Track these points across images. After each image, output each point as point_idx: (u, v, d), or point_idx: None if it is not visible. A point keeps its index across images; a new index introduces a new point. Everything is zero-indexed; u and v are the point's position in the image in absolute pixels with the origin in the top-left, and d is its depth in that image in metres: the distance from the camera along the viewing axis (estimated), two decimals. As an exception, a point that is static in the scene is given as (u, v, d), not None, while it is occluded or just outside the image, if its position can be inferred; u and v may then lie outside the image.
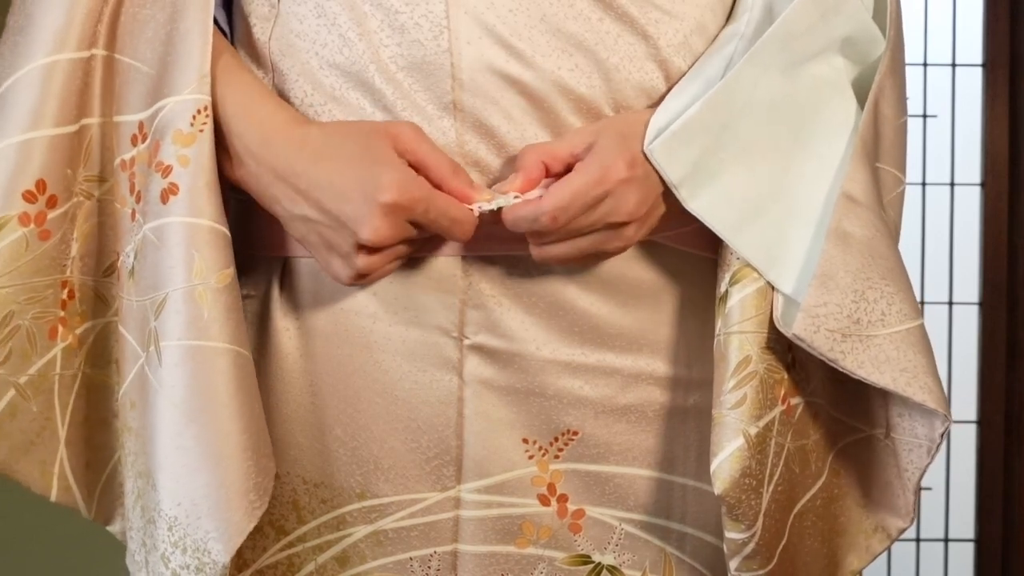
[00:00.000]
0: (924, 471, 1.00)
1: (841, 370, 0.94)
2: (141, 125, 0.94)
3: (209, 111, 0.92)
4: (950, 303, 2.72)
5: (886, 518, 1.04)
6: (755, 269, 0.94)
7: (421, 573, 0.97)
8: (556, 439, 0.98)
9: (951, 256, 2.71)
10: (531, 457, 0.97)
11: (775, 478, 0.95)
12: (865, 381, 0.94)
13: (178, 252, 0.91)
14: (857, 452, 1.04)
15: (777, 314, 0.94)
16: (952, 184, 2.71)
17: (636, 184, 0.92)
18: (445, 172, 0.91)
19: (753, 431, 0.93)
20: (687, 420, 1.01)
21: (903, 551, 2.74)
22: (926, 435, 0.98)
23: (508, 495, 0.97)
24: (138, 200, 0.94)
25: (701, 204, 0.94)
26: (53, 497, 0.99)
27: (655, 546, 1.00)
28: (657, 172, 0.93)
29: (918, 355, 0.94)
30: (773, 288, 0.95)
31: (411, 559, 0.97)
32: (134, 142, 0.95)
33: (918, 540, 2.75)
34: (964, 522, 2.73)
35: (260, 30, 0.98)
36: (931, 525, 2.76)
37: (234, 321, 0.91)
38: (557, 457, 0.98)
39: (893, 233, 1.03)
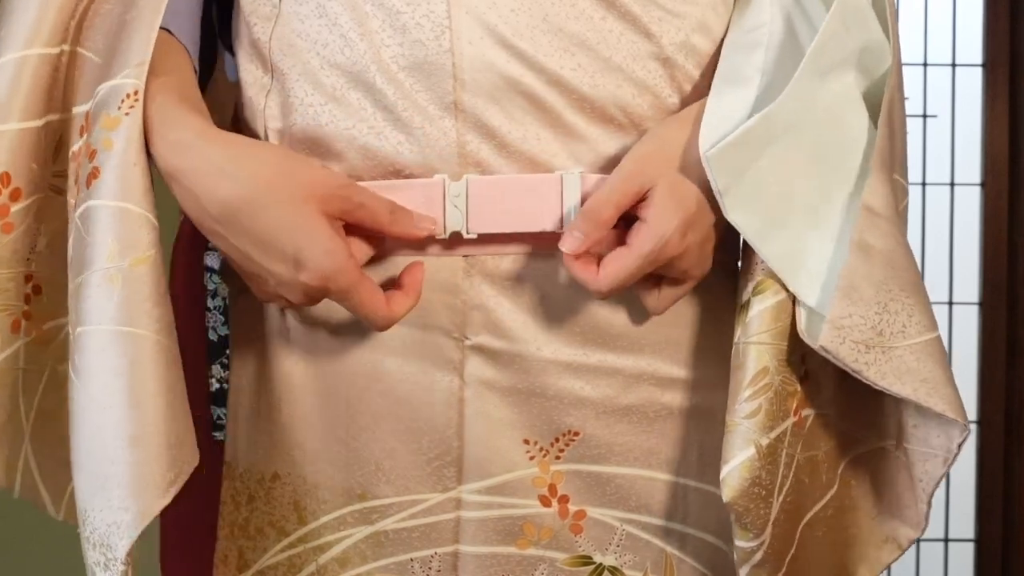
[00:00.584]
0: (939, 481, 1.01)
1: (865, 381, 0.94)
2: (87, 116, 0.93)
3: (139, 95, 0.90)
4: (950, 303, 2.72)
5: (897, 528, 1.05)
6: (778, 280, 0.95)
7: (422, 574, 0.97)
8: (557, 440, 0.98)
9: (951, 256, 2.71)
10: (532, 458, 0.97)
11: (784, 488, 0.96)
12: (888, 392, 0.94)
13: (96, 235, 0.89)
14: (869, 463, 1.04)
15: (801, 326, 0.94)
16: (952, 184, 2.71)
17: (690, 251, 0.93)
18: (383, 220, 0.91)
19: (764, 442, 0.93)
20: (688, 421, 1.01)
21: (903, 551, 2.74)
22: (942, 445, 0.99)
23: (509, 496, 0.97)
24: (78, 191, 0.92)
25: (738, 214, 0.94)
26: (16, 493, 0.98)
27: (656, 547, 1.00)
28: (707, 198, 0.93)
29: (937, 366, 0.95)
30: (794, 301, 0.95)
31: (412, 560, 0.97)
32: (80, 133, 0.93)
33: (918, 540, 2.75)
34: (964, 522, 2.73)
35: (261, 30, 0.98)
36: (931, 525, 2.75)
37: (149, 305, 0.88)
38: (558, 458, 0.98)
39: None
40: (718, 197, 0.92)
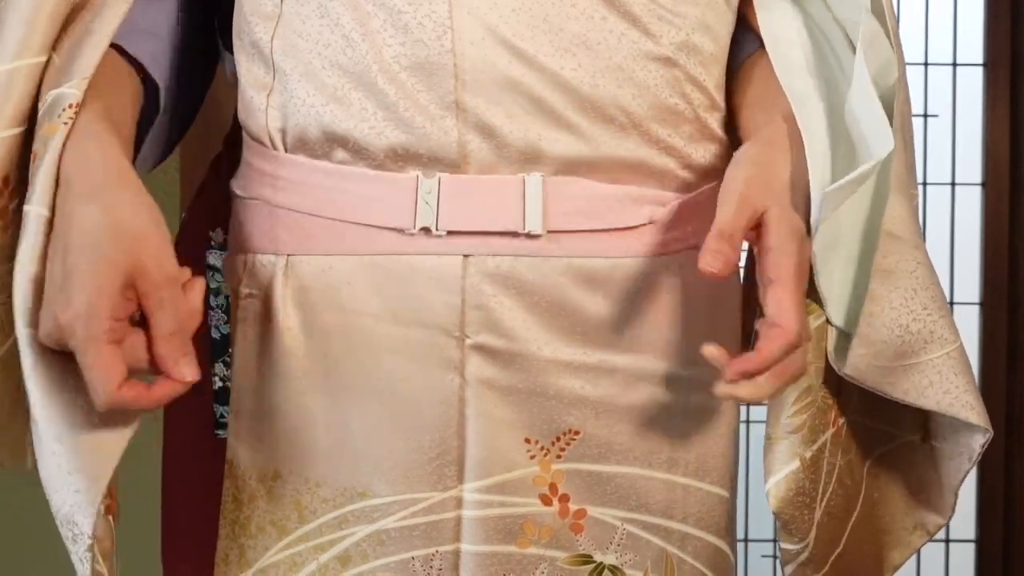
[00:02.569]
0: (965, 476, 1.06)
1: (889, 398, 0.99)
2: (39, 119, 0.93)
3: (76, 108, 0.91)
4: (951, 303, 2.72)
5: (925, 516, 1.10)
6: (819, 303, 0.98)
7: (423, 573, 0.97)
8: (558, 439, 0.98)
9: (952, 256, 2.71)
10: (533, 457, 0.97)
11: (827, 494, 1.01)
12: (912, 405, 1.00)
13: (25, 239, 0.89)
14: (896, 456, 1.09)
15: (830, 347, 0.99)
16: (953, 184, 2.70)
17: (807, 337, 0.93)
18: (158, 331, 0.86)
19: (808, 454, 0.99)
20: (688, 420, 1.01)
21: (903, 552, 2.74)
22: (967, 445, 1.04)
23: (510, 495, 0.97)
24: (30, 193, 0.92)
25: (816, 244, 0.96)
26: (29, 465, 0.98)
27: (657, 546, 1.01)
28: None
29: (958, 376, 1.00)
30: (828, 322, 0.99)
31: (413, 559, 0.97)
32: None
33: (918, 541, 2.75)
34: (965, 523, 2.73)
35: (262, 30, 0.98)
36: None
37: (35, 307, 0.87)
38: (559, 457, 0.98)
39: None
40: (813, 228, 0.94)
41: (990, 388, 2.70)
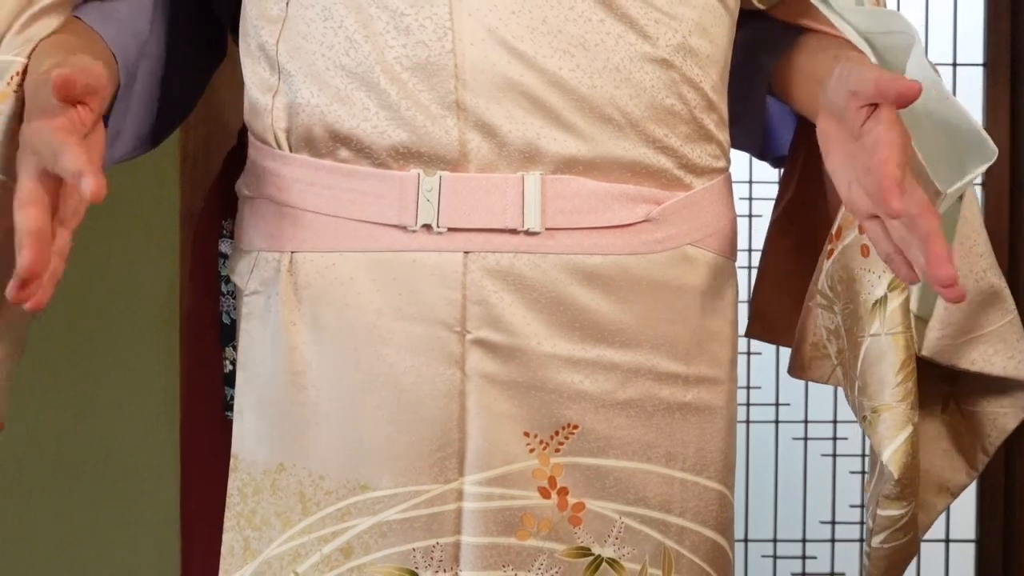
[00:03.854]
0: (1007, 435, 1.14)
1: (960, 370, 1.08)
2: None
3: (21, 76, 0.93)
4: (951, 303, 2.72)
5: (952, 477, 1.17)
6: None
7: (424, 564, 0.98)
8: (557, 433, 0.99)
9: (952, 256, 2.71)
10: (532, 450, 0.98)
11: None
12: (981, 373, 1.09)
13: None
14: (939, 412, 1.16)
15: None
16: (953, 184, 2.70)
17: None
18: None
19: (916, 419, 1.04)
20: (686, 416, 1.02)
21: (904, 551, 2.74)
22: (1016, 403, 1.12)
23: (509, 487, 0.98)
24: None
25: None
26: None
27: (655, 540, 1.01)
28: None
29: (1020, 341, 1.10)
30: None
31: (414, 550, 0.98)
32: None
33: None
34: (965, 523, 2.72)
35: (268, 33, 1.00)
36: (932, 526, 2.75)
37: None
38: (558, 451, 0.99)
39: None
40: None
41: (990, 388, 2.70)
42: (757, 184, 2.19)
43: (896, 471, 1.03)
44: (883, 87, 0.88)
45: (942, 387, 1.15)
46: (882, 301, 1.05)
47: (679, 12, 0.99)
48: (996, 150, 0.96)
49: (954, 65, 2.66)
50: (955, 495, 1.18)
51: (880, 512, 1.07)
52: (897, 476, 1.03)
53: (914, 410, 1.05)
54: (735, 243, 1.08)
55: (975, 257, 1.09)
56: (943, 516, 2.73)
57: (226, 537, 1.03)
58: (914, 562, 2.71)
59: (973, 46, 2.67)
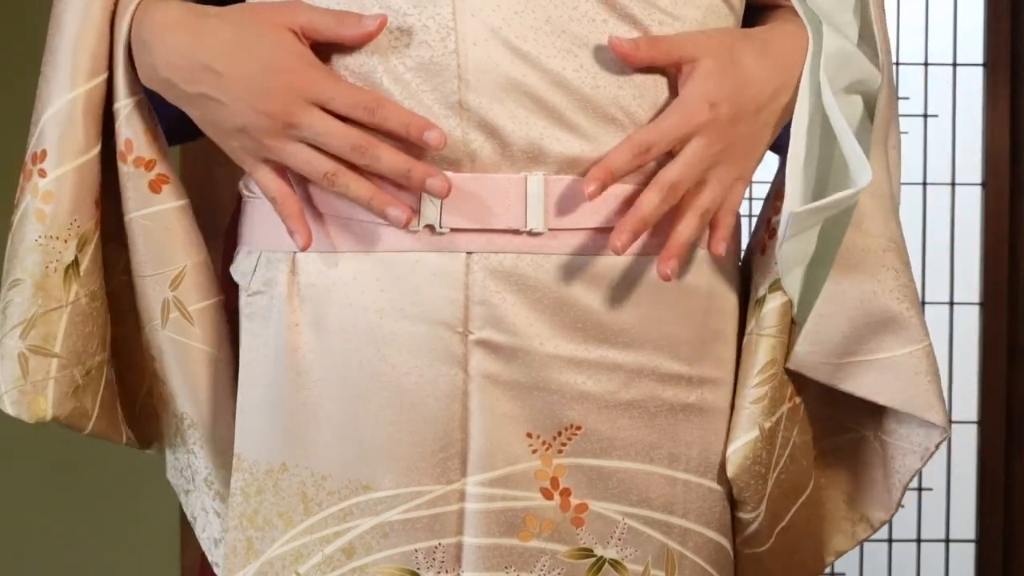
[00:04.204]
0: (914, 475, 1.08)
1: (843, 391, 1.04)
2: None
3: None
4: (951, 303, 2.72)
5: (869, 510, 1.12)
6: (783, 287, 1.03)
7: (426, 565, 0.98)
8: (559, 433, 0.99)
9: (952, 256, 2.71)
10: (535, 451, 0.98)
11: (779, 467, 1.04)
12: (866, 399, 1.04)
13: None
14: (845, 448, 1.12)
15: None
16: (953, 184, 2.71)
17: (716, 125, 0.97)
18: (331, 27, 0.95)
19: (767, 425, 1.02)
20: (689, 417, 1.02)
21: (904, 552, 2.74)
22: (920, 443, 1.06)
23: (512, 488, 0.98)
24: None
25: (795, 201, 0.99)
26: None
27: (658, 541, 1.01)
28: None
29: (918, 375, 1.03)
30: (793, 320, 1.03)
31: (416, 551, 0.98)
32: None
33: (919, 541, 2.75)
34: (965, 523, 2.73)
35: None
36: (932, 526, 2.75)
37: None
38: (560, 451, 0.99)
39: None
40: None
41: (990, 388, 2.70)
42: (757, 184, 2.20)
43: (731, 471, 1.02)
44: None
45: (871, 412, 1.09)
46: (761, 301, 1.04)
47: (683, 12, 0.99)
48: (868, 178, 0.95)
49: (954, 65, 2.66)
50: (875, 528, 1.13)
51: (735, 512, 1.05)
52: (731, 476, 1.02)
53: (766, 415, 1.02)
54: (739, 243, 1.08)
55: (863, 276, 1.02)
56: (943, 516, 2.74)
57: (229, 537, 1.03)
58: (914, 562, 2.73)
59: (973, 46, 2.67)
